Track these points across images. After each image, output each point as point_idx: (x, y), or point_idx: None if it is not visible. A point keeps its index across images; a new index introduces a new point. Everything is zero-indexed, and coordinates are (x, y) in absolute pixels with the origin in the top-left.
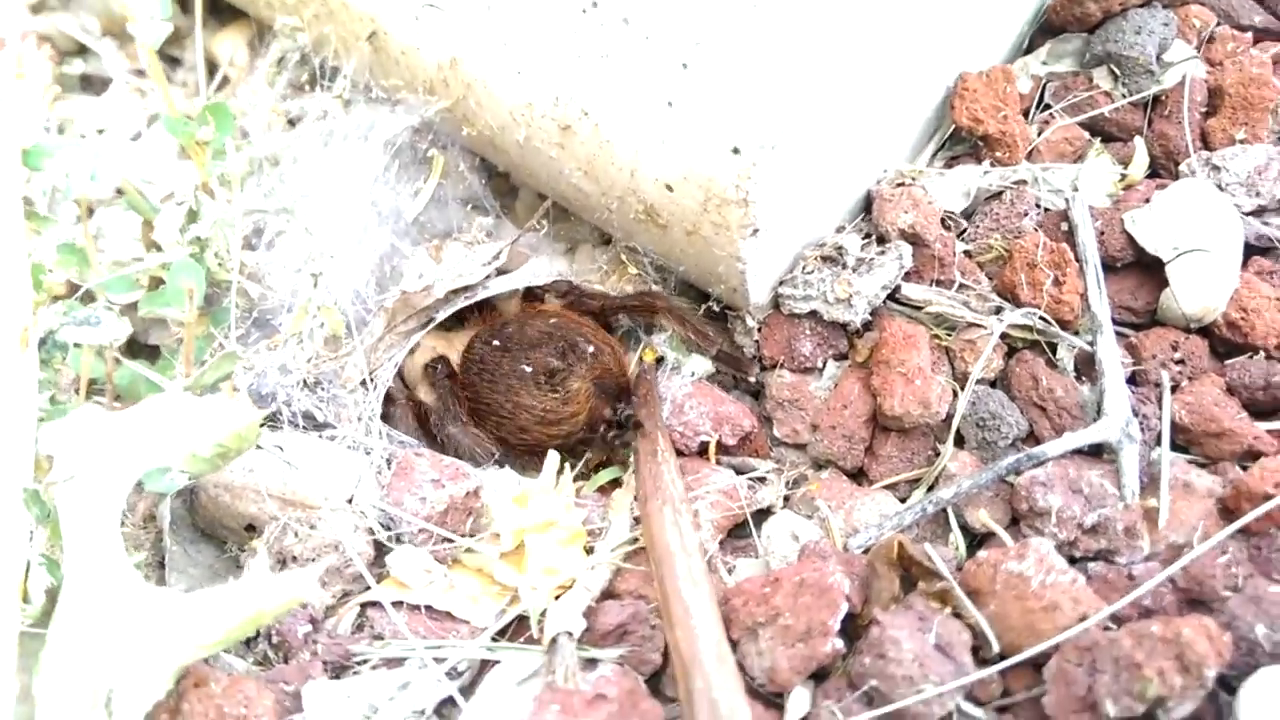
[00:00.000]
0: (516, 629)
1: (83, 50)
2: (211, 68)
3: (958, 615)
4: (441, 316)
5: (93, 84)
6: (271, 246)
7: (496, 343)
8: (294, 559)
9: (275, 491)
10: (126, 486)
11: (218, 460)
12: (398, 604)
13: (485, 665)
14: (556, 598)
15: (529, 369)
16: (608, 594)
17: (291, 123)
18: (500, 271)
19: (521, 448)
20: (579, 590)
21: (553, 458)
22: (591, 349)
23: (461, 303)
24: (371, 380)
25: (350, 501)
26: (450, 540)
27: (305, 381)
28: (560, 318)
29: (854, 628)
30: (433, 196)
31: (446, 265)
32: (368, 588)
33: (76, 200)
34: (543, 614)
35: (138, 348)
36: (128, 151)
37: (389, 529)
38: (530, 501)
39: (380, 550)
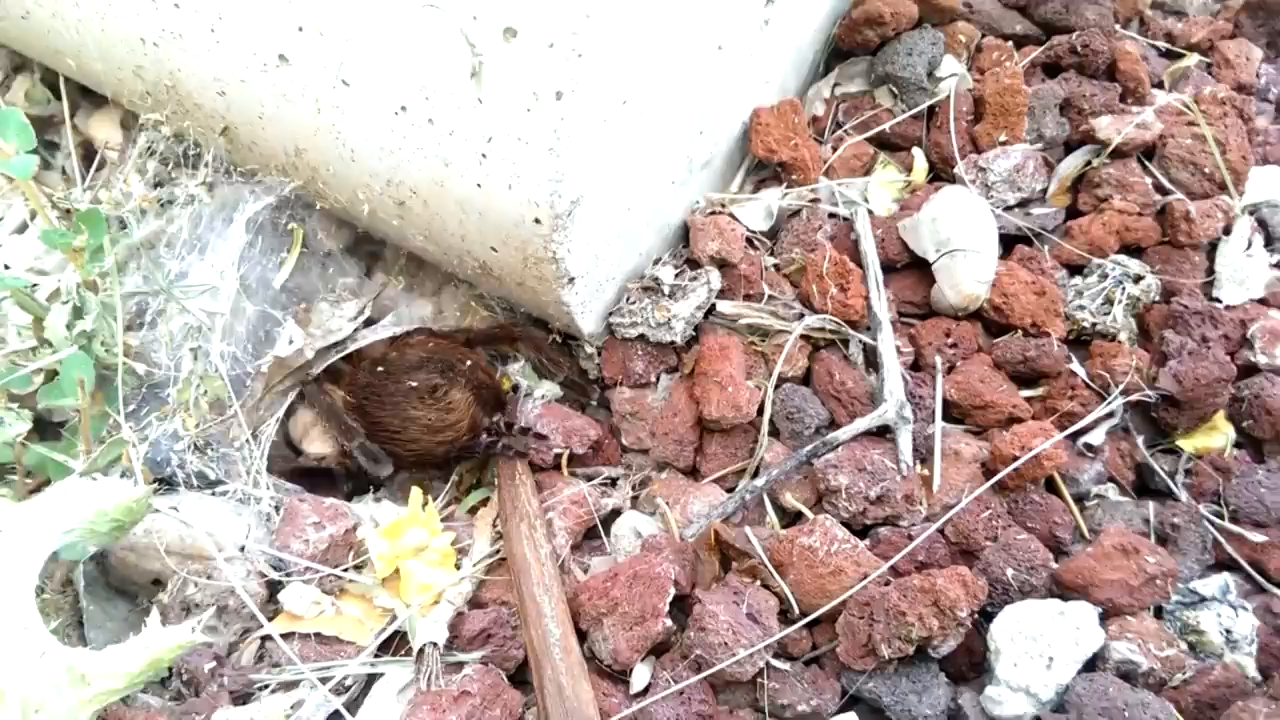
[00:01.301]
0: (399, 644)
1: None
2: (89, 146)
3: (766, 586)
4: (317, 371)
5: None
6: (154, 325)
7: (380, 369)
8: (195, 606)
9: (174, 548)
10: (38, 565)
11: (115, 533)
12: (288, 635)
13: (372, 679)
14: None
15: (414, 384)
16: (475, 603)
17: (164, 205)
18: (368, 322)
19: (412, 459)
20: (443, 604)
21: (416, 493)
22: (467, 364)
23: (334, 356)
24: (255, 437)
25: (243, 549)
26: (336, 575)
27: (195, 445)
28: (435, 343)
29: (686, 606)
30: (296, 264)
31: (315, 325)
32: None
33: None
34: None
35: (42, 424)
36: (17, 252)
37: (279, 569)
38: (403, 531)
39: (275, 588)
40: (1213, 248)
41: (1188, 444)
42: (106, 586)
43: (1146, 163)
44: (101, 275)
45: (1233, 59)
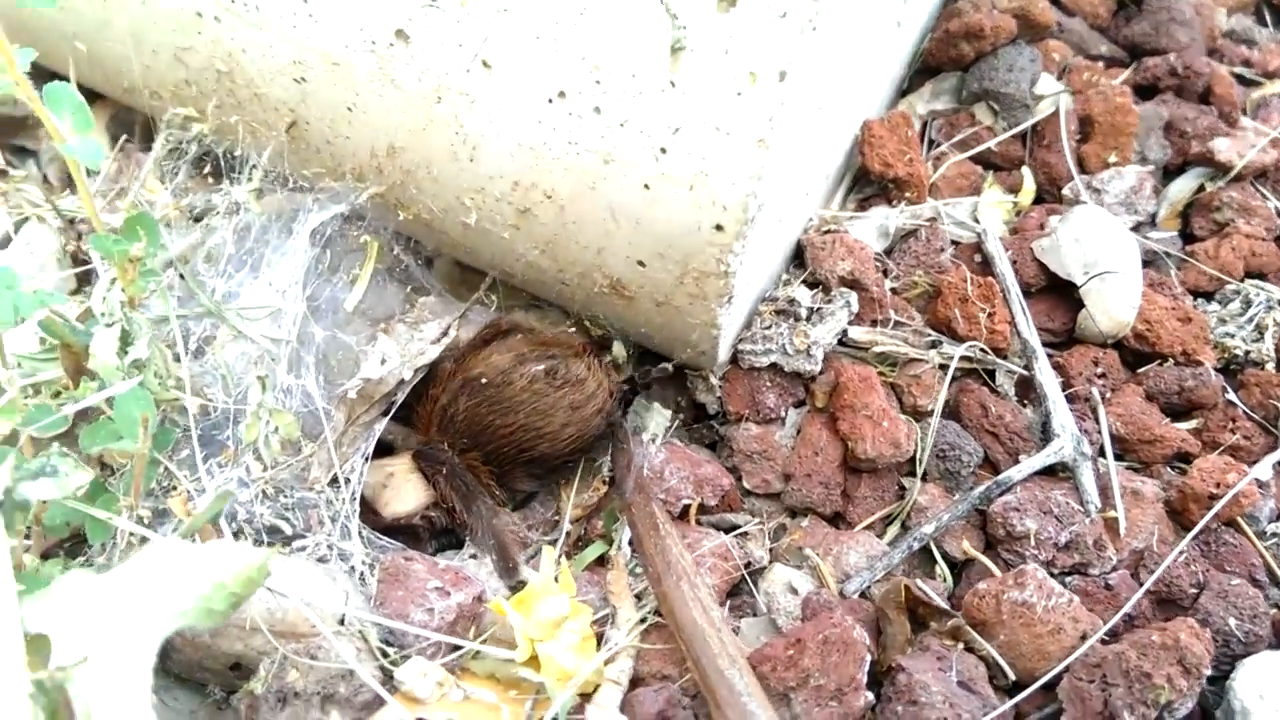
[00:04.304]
0: None
1: None
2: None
3: (970, 650)
4: (400, 398)
5: None
6: (201, 355)
7: (483, 380)
8: (296, 695)
9: (264, 623)
10: (150, 657)
11: (230, 609)
12: None
13: None
14: (583, 695)
15: (541, 368)
16: (633, 680)
17: (196, 219)
18: None
19: (569, 452)
20: (609, 688)
21: (547, 553)
22: (559, 337)
23: (414, 381)
24: (343, 476)
25: (342, 621)
26: (460, 650)
27: (265, 493)
28: (512, 341)
29: (876, 675)
30: (370, 282)
31: (399, 347)
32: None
33: None
34: (570, 712)
35: None
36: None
37: (391, 644)
38: (535, 605)
39: (385, 668)
40: None
41: None
42: (165, 674)
43: (1259, 186)
44: (151, 295)
45: None
